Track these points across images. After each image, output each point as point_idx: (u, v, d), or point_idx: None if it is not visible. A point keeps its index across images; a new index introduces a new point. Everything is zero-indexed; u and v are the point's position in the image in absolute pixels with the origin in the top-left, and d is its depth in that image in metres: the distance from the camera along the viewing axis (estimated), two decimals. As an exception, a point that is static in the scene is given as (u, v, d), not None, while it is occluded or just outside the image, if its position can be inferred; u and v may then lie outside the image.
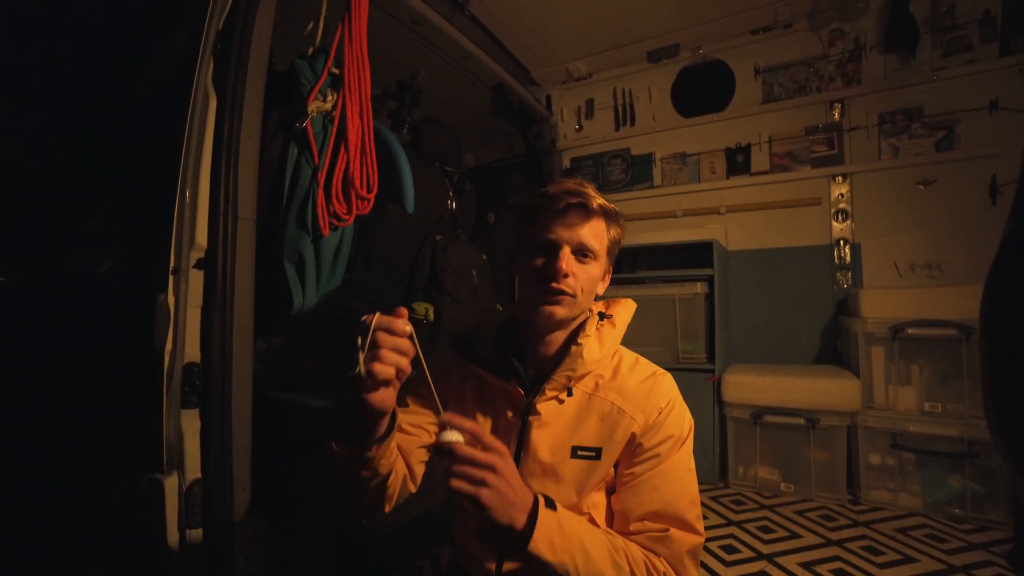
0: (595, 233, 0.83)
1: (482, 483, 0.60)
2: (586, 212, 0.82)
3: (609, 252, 0.87)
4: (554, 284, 0.80)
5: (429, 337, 2.14)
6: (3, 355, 1.78)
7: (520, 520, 0.63)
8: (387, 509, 0.81)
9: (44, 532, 1.57)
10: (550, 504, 0.67)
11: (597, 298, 0.91)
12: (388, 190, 1.78)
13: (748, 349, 2.80)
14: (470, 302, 2.26)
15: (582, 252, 0.82)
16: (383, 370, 0.62)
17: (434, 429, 0.86)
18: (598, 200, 0.83)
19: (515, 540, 0.63)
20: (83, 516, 1.48)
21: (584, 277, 0.82)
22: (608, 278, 0.91)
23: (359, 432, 0.69)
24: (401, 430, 0.86)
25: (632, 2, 2.49)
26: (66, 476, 1.53)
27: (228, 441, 1.17)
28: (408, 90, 2.36)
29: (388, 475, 0.75)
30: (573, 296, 0.81)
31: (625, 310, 0.94)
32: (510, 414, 0.87)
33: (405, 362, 0.64)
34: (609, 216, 0.85)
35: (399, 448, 0.82)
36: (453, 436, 0.62)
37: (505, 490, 0.62)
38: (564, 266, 0.80)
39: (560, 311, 0.81)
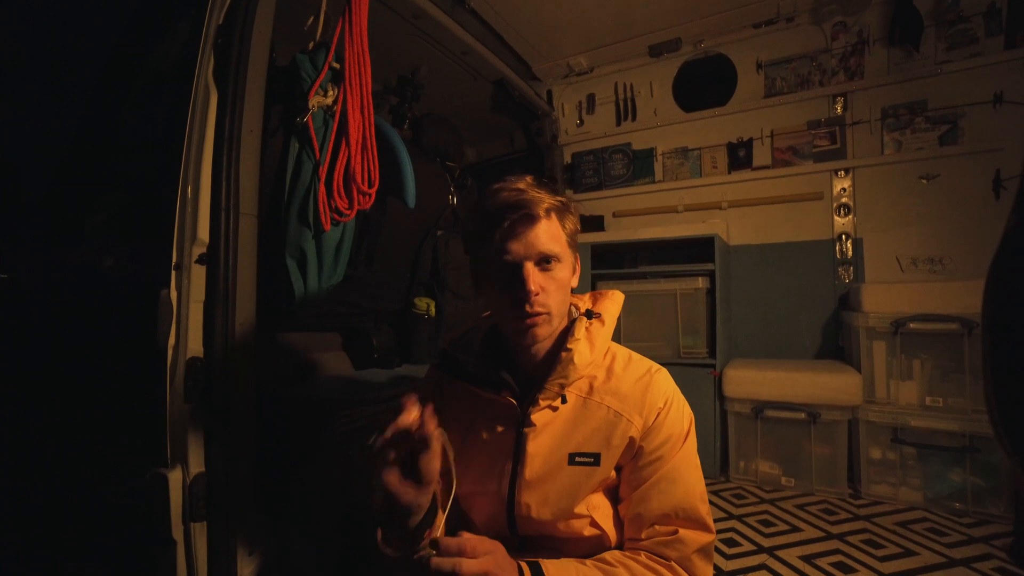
0: (552, 235, 0.78)
1: None
2: (534, 220, 0.76)
3: (571, 245, 0.83)
4: (527, 308, 0.76)
5: (431, 333, 2.14)
6: (6, 351, 1.78)
7: None
8: None
9: (48, 527, 1.58)
10: (537, 572, 0.69)
11: (575, 291, 0.88)
12: (389, 185, 1.78)
13: (749, 344, 2.80)
14: (471, 297, 2.26)
15: (544, 260, 0.77)
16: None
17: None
18: (544, 203, 0.76)
19: None
20: (87, 511, 1.48)
21: (554, 286, 0.78)
22: (579, 269, 0.87)
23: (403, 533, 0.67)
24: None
25: (634, -4, 2.48)
26: (70, 471, 1.54)
27: (231, 435, 1.17)
28: (409, 85, 2.35)
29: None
30: (548, 313, 0.78)
31: (613, 304, 0.90)
32: (504, 427, 0.84)
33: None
34: (560, 211, 0.80)
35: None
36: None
37: None
38: (532, 286, 0.75)
39: (539, 331, 0.78)
